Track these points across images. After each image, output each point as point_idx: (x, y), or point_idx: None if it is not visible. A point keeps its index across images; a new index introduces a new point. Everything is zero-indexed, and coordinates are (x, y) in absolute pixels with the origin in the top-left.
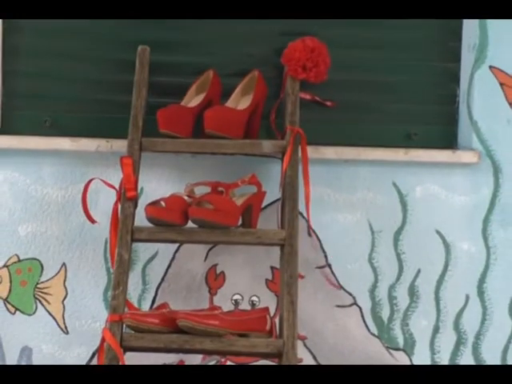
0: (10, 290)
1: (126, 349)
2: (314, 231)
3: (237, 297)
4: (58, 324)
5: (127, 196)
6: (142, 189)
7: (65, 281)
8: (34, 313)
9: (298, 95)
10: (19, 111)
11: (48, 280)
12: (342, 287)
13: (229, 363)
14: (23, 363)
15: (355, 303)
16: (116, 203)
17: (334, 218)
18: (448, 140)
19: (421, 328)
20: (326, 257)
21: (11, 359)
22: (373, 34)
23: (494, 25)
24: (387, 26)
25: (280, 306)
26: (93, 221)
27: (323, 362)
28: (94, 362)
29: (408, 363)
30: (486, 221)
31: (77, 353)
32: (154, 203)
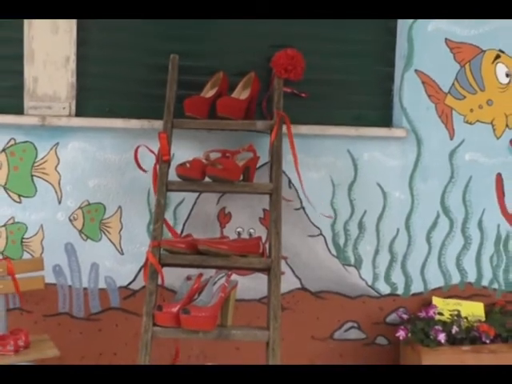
0: (83, 225)
1: (163, 265)
2: (293, 184)
3: (239, 229)
4: (116, 248)
5: (163, 159)
6: (173, 154)
7: (121, 218)
8: (100, 240)
9: (282, 89)
10: (88, 101)
11: (109, 217)
12: (312, 223)
13: (234, 276)
14: (93, 275)
15: (321, 234)
16: (155, 164)
17: (306, 175)
18: (386, 121)
19: (366, 251)
20: (301, 202)
21: (85, 270)
22: (335, 46)
23: (419, 41)
24: (345, 41)
25: (269, 235)
26: (143, 170)
27: (299, 275)
28: (141, 275)
29: (357, 275)
30: (411, 177)
31: (129, 268)
32: (182, 164)
